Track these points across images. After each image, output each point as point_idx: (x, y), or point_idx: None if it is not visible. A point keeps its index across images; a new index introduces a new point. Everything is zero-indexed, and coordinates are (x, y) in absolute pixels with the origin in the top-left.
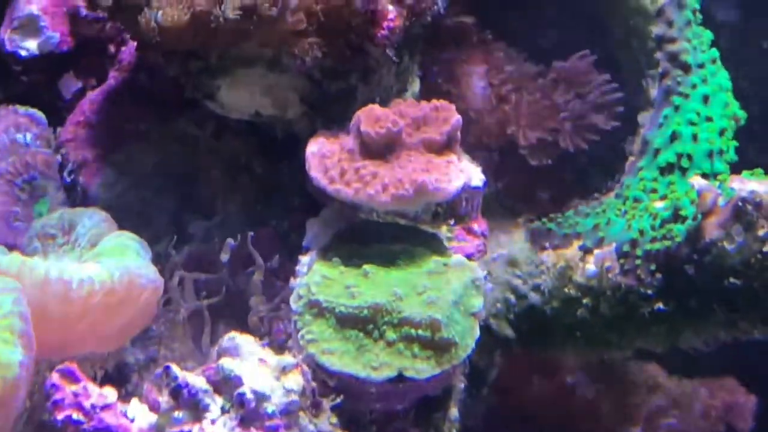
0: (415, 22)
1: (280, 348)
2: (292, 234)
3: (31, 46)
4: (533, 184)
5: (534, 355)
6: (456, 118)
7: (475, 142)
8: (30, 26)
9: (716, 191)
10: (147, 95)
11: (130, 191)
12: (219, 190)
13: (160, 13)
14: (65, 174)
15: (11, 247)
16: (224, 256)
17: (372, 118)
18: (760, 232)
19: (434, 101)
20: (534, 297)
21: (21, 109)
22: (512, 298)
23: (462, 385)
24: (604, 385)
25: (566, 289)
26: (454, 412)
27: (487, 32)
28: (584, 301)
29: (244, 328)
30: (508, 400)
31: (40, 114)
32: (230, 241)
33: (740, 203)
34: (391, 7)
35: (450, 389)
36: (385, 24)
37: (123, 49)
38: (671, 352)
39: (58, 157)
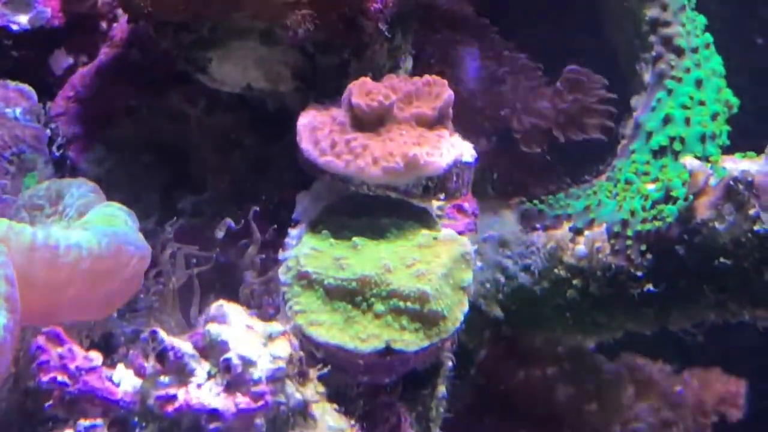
0: None
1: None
2: (283, 209)
3: (22, 20)
4: (525, 170)
5: (519, 344)
6: (448, 93)
7: (468, 125)
8: (21, 0)
9: (708, 171)
10: (138, 71)
11: (119, 167)
12: (209, 165)
13: None
14: (54, 149)
15: None
16: (219, 233)
17: (364, 90)
18: (751, 211)
19: (427, 76)
20: (524, 277)
21: (11, 83)
22: (502, 278)
23: (450, 363)
24: (585, 382)
25: (556, 270)
26: (441, 389)
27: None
28: (574, 281)
29: (235, 301)
30: (493, 388)
31: (30, 89)
32: (228, 220)
33: (732, 182)
34: None
35: (438, 366)
36: None
37: (114, 25)
38: (663, 343)
39: (48, 132)
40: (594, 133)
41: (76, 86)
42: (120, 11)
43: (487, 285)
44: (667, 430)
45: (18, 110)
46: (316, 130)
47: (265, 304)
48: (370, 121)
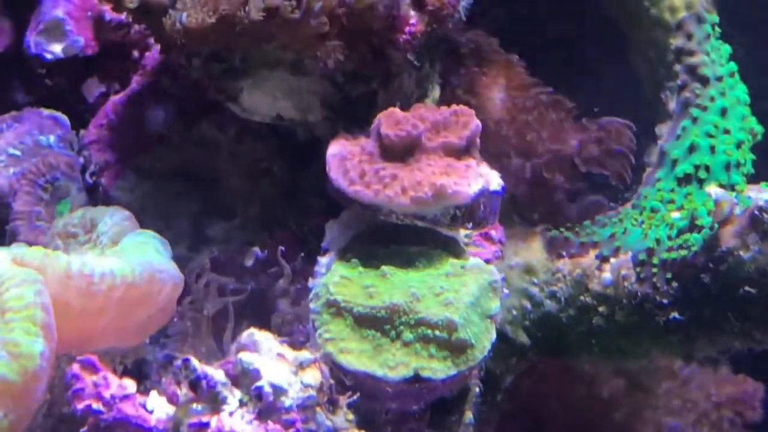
0: (437, 29)
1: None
2: (311, 237)
3: (56, 49)
4: (549, 196)
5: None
6: (475, 123)
7: (494, 153)
8: (55, 30)
9: (733, 200)
10: (170, 100)
11: (151, 194)
12: (239, 193)
13: (185, 14)
14: (87, 176)
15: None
16: (249, 261)
17: (392, 121)
18: None
19: (454, 106)
20: (550, 304)
21: (45, 111)
22: (528, 305)
23: (477, 390)
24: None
25: (582, 297)
26: (468, 415)
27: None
28: (600, 309)
29: (266, 328)
30: (522, 398)
31: (63, 117)
32: (256, 249)
33: (757, 212)
34: (413, 13)
35: (465, 392)
36: (406, 29)
37: (146, 54)
38: None
39: (81, 159)
40: (612, 172)
41: (109, 114)
42: (152, 40)
43: (514, 312)
44: (687, 414)
45: (52, 138)
46: (346, 160)
47: (296, 332)
48: (398, 151)
